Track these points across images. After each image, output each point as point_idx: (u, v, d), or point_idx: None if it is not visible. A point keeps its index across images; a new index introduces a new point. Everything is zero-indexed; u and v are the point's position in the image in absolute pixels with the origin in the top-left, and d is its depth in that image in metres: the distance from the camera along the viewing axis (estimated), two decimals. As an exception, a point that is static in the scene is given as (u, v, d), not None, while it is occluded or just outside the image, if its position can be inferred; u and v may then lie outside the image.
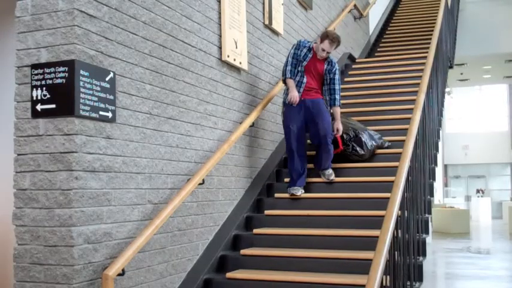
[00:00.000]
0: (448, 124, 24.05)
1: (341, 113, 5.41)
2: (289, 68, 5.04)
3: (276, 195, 5.11)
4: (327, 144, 5.06)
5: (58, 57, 3.04)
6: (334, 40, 4.98)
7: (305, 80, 5.03)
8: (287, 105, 5.05)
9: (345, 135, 5.29)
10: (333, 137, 5.15)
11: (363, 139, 5.28)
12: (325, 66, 5.11)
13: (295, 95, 4.96)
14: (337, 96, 5.17)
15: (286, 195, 4.99)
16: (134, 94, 3.50)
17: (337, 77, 5.15)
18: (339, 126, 5.18)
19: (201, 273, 4.10)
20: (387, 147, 5.54)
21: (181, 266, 3.98)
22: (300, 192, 4.96)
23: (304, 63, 5.04)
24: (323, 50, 5.00)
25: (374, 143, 5.35)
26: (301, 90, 5.03)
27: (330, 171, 5.14)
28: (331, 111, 5.19)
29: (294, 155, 5.00)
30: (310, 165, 5.25)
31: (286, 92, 5.10)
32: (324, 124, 5.01)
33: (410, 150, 3.62)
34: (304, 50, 5.07)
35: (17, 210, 3.10)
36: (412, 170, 3.79)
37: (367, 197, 4.81)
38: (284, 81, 5.14)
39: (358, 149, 5.26)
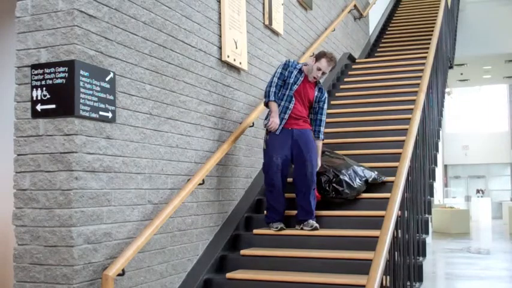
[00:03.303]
0: (448, 124, 24.06)
1: (328, 151, 5.06)
2: (273, 89, 4.46)
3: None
4: (311, 186, 4.47)
5: (58, 57, 3.04)
6: (332, 59, 4.50)
7: (292, 105, 4.46)
8: (271, 133, 4.48)
9: (322, 178, 4.70)
10: None
11: (345, 179, 4.66)
12: (316, 93, 4.61)
13: (276, 122, 4.39)
14: (322, 129, 4.66)
15: (286, 195, 4.73)
16: (134, 94, 3.50)
17: (325, 106, 4.66)
18: (318, 162, 4.65)
19: (201, 273, 4.10)
20: (383, 183, 4.93)
21: (182, 266, 3.98)
22: (281, 226, 4.47)
23: (295, 86, 4.48)
24: (318, 70, 4.48)
25: (360, 181, 4.74)
26: (287, 117, 4.45)
27: (313, 221, 4.47)
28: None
29: (275, 190, 4.45)
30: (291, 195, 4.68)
31: (268, 117, 4.53)
32: (313, 162, 4.48)
33: (410, 151, 3.62)
34: (295, 72, 4.52)
35: (17, 210, 3.10)
36: (412, 170, 3.79)
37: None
38: (266, 104, 4.55)
39: (340, 190, 4.66)
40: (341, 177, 4.67)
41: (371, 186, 4.89)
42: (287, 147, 4.44)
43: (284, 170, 4.46)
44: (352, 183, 4.69)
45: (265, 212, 4.70)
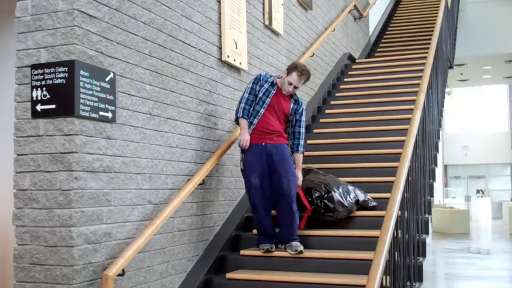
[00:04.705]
0: (448, 124, 24.06)
1: (317, 168, 4.92)
2: (242, 105, 4.25)
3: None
4: (290, 202, 4.18)
5: (58, 57, 3.04)
6: (304, 72, 4.22)
7: (257, 120, 4.24)
8: (246, 152, 4.24)
9: (314, 193, 4.51)
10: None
11: (336, 196, 4.47)
12: (292, 105, 4.35)
13: (245, 139, 4.18)
14: (302, 141, 4.40)
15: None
16: (134, 94, 3.50)
17: (303, 118, 4.41)
18: (299, 174, 4.40)
19: (201, 273, 4.10)
20: (372, 208, 4.69)
21: (181, 266, 3.98)
22: (273, 248, 4.24)
23: (268, 100, 4.25)
24: (290, 84, 4.24)
25: (351, 200, 4.56)
26: (259, 132, 4.24)
27: (297, 243, 4.17)
28: (293, 157, 4.40)
29: (259, 211, 4.24)
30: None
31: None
32: (289, 176, 4.19)
33: (410, 151, 3.62)
34: (266, 86, 4.29)
35: (17, 210, 3.10)
36: (412, 170, 3.79)
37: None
38: (236, 121, 4.35)
39: (331, 207, 4.44)
40: (332, 193, 4.48)
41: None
42: (263, 164, 4.21)
43: (265, 189, 4.23)
44: (343, 201, 4.49)
45: (254, 231, 4.51)
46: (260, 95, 4.28)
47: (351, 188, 4.67)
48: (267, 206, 4.26)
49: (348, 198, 4.54)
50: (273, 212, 4.35)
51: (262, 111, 4.25)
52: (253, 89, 4.31)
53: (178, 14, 4.03)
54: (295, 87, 4.28)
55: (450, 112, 22.95)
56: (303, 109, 4.43)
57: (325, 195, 4.48)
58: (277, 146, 4.23)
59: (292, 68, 4.26)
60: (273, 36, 5.86)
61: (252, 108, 4.28)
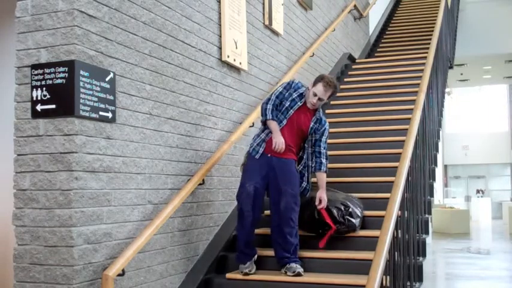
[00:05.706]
0: (448, 124, 24.06)
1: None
2: (270, 106, 4.04)
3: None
4: (282, 224, 3.95)
5: (58, 57, 3.04)
6: (330, 84, 4.02)
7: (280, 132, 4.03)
8: (250, 159, 4.10)
9: (335, 211, 4.22)
10: (315, 211, 4.19)
11: (355, 209, 4.32)
12: (312, 124, 4.11)
13: (281, 141, 3.93)
14: (324, 160, 4.15)
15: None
16: (134, 94, 3.50)
17: (324, 138, 4.16)
18: (323, 195, 4.14)
19: (201, 273, 4.10)
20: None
21: (181, 266, 3.99)
22: (246, 271, 4.00)
23: (291, 112, 4.06)
24: (314, 95, 4.03)
25: (362, 210, 4.43)
26: (270, 142, 4.03)
27: (297, 265, 3.93)
28: (316, 176, 4.19)
29: (244, 220, 3.99)
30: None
31: (257, 138, 4.12)
32: (288, 196, 3.96)
33: (410, 151, 3.63)
34: (294, 95, 4.10)
35: (17, 210, 3.10)
36: (412, 170, 3.79)
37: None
38: (264, 123, 4.13)
39: (353, 221, 4.24)
40: (351, 206, 4.31)
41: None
42: (263, 176, 4.01)
43: (257, 199, 3.99)
44: (358, 213, 4.34)
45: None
46: (286, 104, 4.08)
47: (354, 199, 4.53)
48: (255, 218, 4.01)
49: (359, 208, 4.40)
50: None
51: (284, 122, 4.06)
52: (281, 93, 4.11)
53: (178, 14, 4.03)
54: (319, 100, 4.06)
55: (450, 112, 22.94)
56: (325, 129, 4.18)
57: (345, 210, 4.27)
58: (283, 160, 4.03)
59: (318, 79, 4.09)
60: (273, 36, 5.86)
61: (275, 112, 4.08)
